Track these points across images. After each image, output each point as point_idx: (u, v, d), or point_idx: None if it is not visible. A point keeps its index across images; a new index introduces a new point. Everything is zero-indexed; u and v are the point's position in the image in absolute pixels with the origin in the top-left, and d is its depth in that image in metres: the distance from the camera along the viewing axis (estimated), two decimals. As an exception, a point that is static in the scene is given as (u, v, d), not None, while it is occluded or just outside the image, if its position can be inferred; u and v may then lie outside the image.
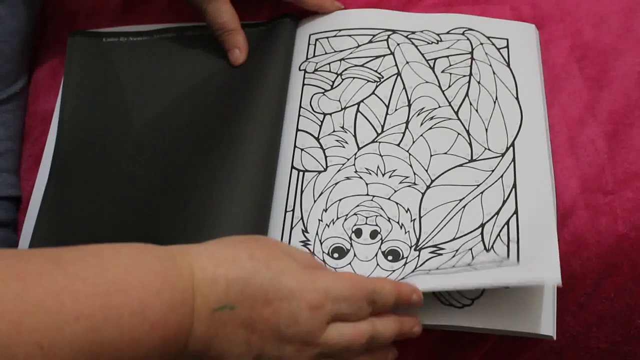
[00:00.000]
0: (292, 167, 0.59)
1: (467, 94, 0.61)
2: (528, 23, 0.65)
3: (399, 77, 0.62)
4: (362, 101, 0.61)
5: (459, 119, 0.60)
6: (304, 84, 0.63)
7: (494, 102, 0.60)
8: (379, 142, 0.59)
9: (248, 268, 0.44)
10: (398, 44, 0.64)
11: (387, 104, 0.61)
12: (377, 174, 0.57)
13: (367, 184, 0.57)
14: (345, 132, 0.60)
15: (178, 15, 0.71)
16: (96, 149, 0.63)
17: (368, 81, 0.62)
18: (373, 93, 0.62)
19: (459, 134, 0.59)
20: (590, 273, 0.57)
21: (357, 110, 0.61)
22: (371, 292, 0.47)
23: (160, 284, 0.41)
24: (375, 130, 0.60)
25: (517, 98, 0.60)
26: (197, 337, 0.43)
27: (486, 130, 0.59)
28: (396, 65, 0.63)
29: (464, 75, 0.62)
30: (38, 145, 0.66)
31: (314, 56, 0.65)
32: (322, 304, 0.44)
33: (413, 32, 0.64)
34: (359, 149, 0.59)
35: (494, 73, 0.61)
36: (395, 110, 0.60)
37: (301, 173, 0.59)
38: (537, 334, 0.52)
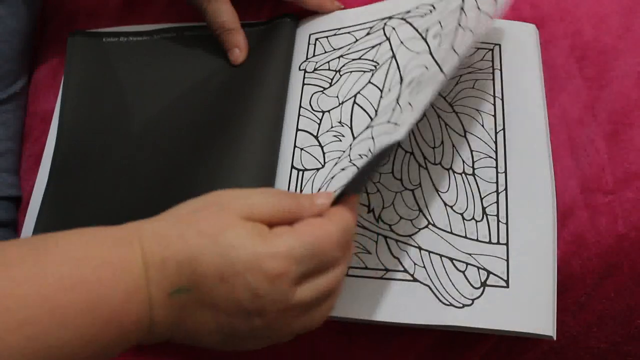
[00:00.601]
0: (292, 166, 0.59)
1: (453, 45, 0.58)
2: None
3: (393, 59, 0.62)
4: (358, 92, 0.61)
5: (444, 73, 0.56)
6: (303, 84, 0.63)
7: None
8: (372, 126, 0.58)
9: (196, 246, 0.41)
10: (393, 28, 0.63)
11: (381, 88, 0.61)
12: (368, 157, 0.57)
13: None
14: (342, 126, 0.60)
15: (178, 15, 0.71)
16: (96, 149, 0.63)
17: (364, 72, 0.62)
18: (369, 82, 0.61)
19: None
20: (590, 273, 0.57)
21: (354, 103, 0.61)
22: (341, 238, 0.43)
23: (112, 275, 0.39)
24: (370, 117, 0.59)
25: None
26: (158, 323, 0.41)
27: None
28: (391, 48, 0.62)
29: (453, 29, 0.58)
30: (38, 145, 0.66)
31: (314, 56, 0.65)
32: (283, 270, 0.41)
33: (408, 12, 0.64)
34: (354, 139, 0.59)
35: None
36: (389, 90, 0.59)
37: (301, 172, 0.59)
38: (537, 335, 0.51)
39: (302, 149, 0.60)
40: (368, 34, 0.64)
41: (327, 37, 0.65)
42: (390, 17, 0.65)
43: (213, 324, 0.42)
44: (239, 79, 0.64)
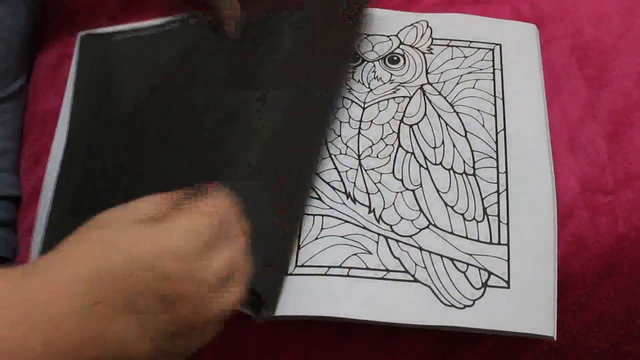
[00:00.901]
0: None
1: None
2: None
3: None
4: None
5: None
6: None
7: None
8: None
9: (99, 257, 0.40)
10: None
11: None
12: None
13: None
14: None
15: (177, 13, 0.70)
16: (108, 146, 0.62)
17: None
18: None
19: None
20: (591, 273, 0.57)
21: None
22: (216, 209, 0.44)
23: (15, 314, 0.37)
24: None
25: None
26: (77, 340, 0.38)
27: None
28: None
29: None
30: (38, 145, 0.66)
31: None
32: (183, 244, 0.41)
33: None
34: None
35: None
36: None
37: None
38: (537, 335, 0.52)
39: None
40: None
41: None
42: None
43: (136, 329, 0.40)
44: (242, 72, 0.63)
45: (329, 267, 0.55)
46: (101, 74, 0.67)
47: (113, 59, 0.67)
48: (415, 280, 0.54)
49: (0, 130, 0.65)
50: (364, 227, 0.56)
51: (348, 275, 0.54)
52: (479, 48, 0.64)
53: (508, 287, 0.53)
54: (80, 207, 0.60)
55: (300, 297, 0.53)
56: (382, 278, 0.54)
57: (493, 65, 0.62)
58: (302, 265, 0.54)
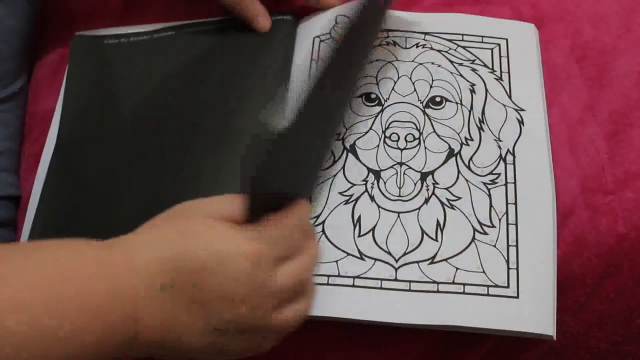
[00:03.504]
0: None
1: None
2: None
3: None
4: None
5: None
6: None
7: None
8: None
9: (178, 244, 0.43)
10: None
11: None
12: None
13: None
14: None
15: (178, 14, 0.70)
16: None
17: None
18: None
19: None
20: (591, 273, 0.57)
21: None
22: (299, 222, 0.46)
23: (97, 270, 0.41)
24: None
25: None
26: (146, 324, 0.42)
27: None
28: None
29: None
30: (38, 145, 0.66)
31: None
32: (260, 251, 0.43)
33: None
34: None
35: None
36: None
37: None
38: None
39: None
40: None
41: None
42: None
43: (200, 322, 0.42)
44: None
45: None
46: (92, 75, 0.67)
47: (104, 63, 0.67)
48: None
49: (0, 130, 0.65)
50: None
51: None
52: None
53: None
54: (64, 212, 0.60)
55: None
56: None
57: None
58: None
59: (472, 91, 0.61)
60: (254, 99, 0.61)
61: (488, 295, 0.52)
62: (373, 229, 0.55)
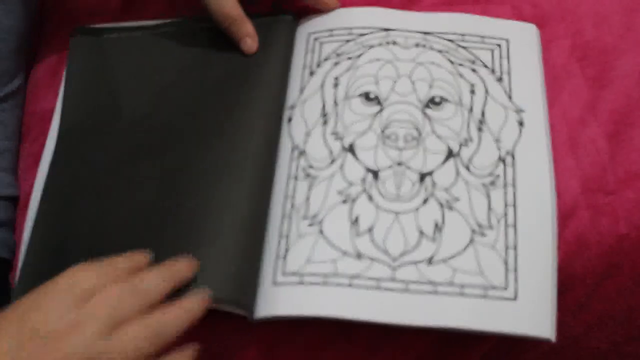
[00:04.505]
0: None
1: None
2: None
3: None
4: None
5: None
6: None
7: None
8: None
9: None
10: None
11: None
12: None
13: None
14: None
15: (177, 13, 0.70)
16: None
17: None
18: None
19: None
20: (591, 273, 0.57)
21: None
22: (132, 286, 0.48)
23: None
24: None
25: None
26: None
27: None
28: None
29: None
30: (37, 144, 0.66)
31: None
32: (77, 322, 0.45)
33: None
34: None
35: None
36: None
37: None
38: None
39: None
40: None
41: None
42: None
43: None
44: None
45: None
46: (91, 69, 0.67)
47: (104, 56, 0.67)
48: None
49: (-2, 129, 0.65)
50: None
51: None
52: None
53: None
54: (65, 210, 0.60)
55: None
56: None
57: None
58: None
59: (472, 92, 0.61)
60: (253, 97, 0.61)
61: (486, 297, 0.52)
62: (371, 229, 0.55)
